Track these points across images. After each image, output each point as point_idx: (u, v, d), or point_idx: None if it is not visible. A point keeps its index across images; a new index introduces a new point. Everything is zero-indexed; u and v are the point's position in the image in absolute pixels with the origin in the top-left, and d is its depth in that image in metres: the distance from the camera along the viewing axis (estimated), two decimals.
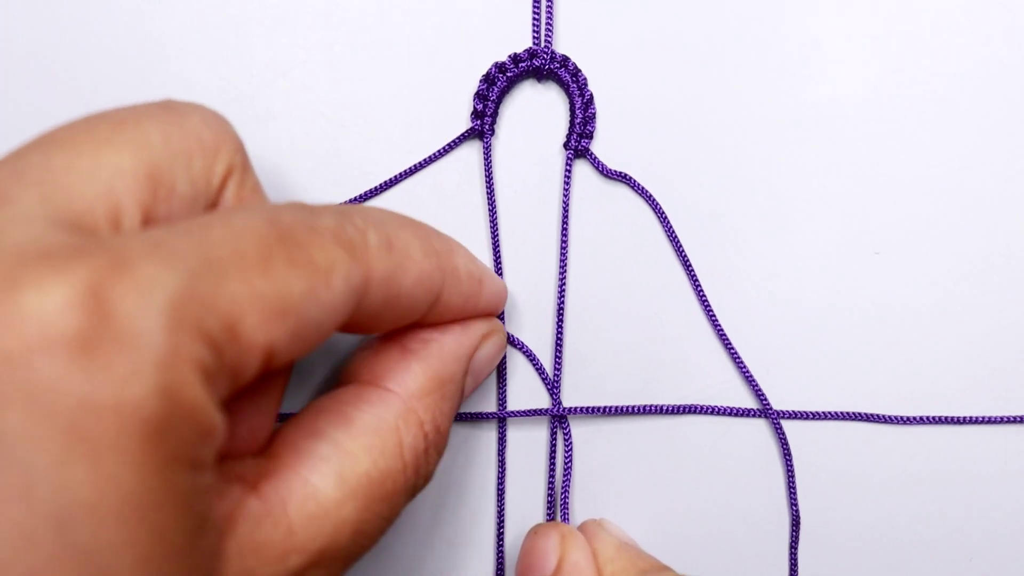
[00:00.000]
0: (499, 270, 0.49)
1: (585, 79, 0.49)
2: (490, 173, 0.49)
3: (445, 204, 0.49)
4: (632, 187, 0.49)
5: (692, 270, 0.49)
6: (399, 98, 0.49)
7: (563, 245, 0.49)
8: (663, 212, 0.49)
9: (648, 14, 0.49)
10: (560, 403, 0.49)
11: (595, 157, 0.49)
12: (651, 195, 0.49)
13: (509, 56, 0.48)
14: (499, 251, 0.49)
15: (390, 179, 0.49)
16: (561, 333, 0.49)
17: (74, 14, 0.48)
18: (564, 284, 0.49)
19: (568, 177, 0.49)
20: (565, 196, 0.49)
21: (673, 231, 0.49)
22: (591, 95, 0.49)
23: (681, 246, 0.49)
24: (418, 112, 0.49)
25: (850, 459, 0.50)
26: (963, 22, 0.49)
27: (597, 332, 0.50)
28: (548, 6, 0.48)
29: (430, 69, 0.49)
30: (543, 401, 0.50)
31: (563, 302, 0.49)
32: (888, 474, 0.50)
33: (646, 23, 0.49)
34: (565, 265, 0.49)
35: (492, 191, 0.49)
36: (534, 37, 0.48)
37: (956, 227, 0.50)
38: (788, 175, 0.50)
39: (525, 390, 0.50)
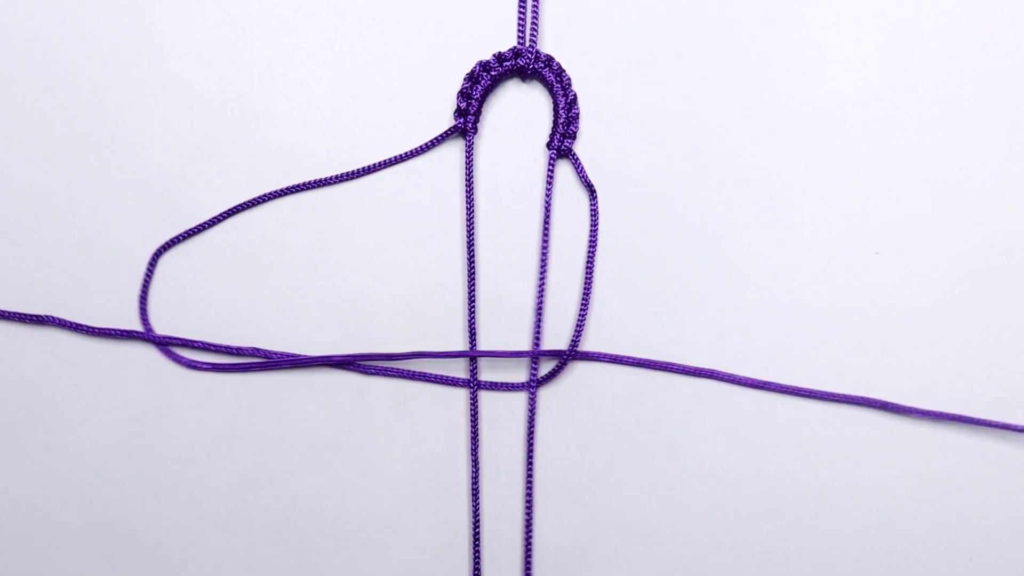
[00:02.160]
0: (473, 267, 0.49)
1: (569, 79, 0.49)
2: (471, 170, 0.49)
3: (428, 200, 0.50)
4: (591, 206, 0.49)
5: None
6: (399, 97, 0.49)
7: (544, 243, 0.49)
8: (595, 239, 0.49)
9: (638, 14, 0.49)
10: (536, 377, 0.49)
11: (577, 159, 0.49)
12: (597, 220, 0.49)
13: (494, 55, 0.49)
14: (473, 248, 0.49)
15: (364, 167, 0.49)
16: (539, 332, 0.49)
17: (74, 14, 0.49)
18: (544, 282, 0.49)
19: (551, 176, 0.49)
20: (547, 195, 0.49)
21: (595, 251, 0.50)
22: (575, 95, 0.49)
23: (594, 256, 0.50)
24: (418, 112, 0.49)
25: (855, 454, 0.50)
26: (963, 22, 0.48)
27: (595, 332, 0.50)
28: (534, 6, 0.48)
29: (428, 69, 0.49)
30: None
31: (542, 301, 0.49)
32: (890, 472, 0.50)
33: (636, 23, 0.49)
34: (545, 263, 0.49)
35: (472, 188, 0.49)
36: (519, 36, 0.49)
37: (956, 227, 0.49)
38: (787, 175, 0.49)
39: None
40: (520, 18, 0.48)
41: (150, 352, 0.50)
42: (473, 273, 0.49)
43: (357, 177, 0.50)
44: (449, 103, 0.49)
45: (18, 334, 0.50)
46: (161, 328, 0.49)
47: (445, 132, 0.49)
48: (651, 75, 0.49)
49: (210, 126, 0.49)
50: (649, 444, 0.50)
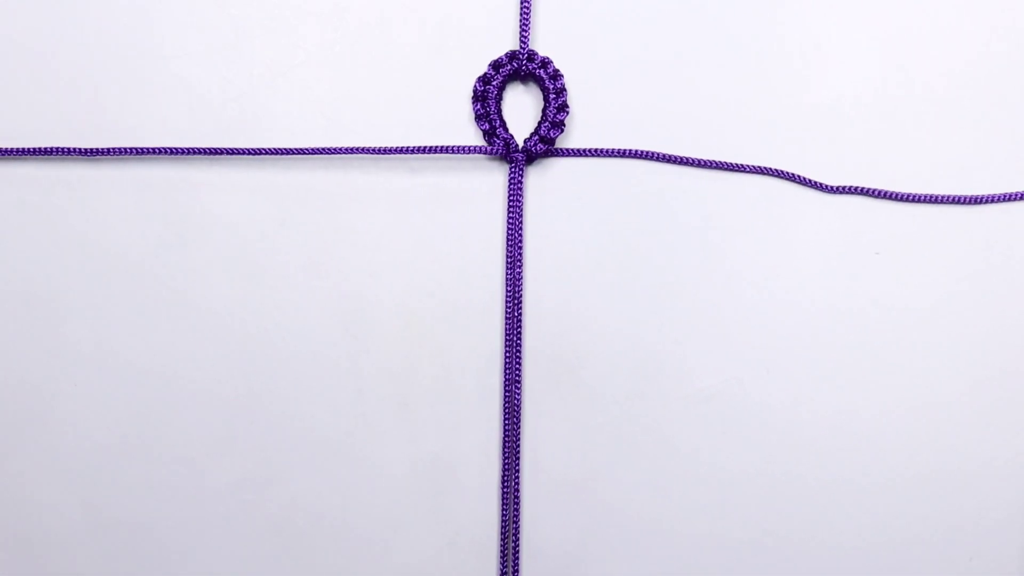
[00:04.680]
0: (517, 298, 0.49)
1: (555, 69, 0.48)
2: (518, 193, 0.49)
3: (431, 202, 0.50)
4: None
5: None
6: (399, 97, 0.49)
7: (509, 248, 0.49)
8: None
9: (638, 13, 0.49)
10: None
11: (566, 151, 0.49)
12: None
13: (489, 67, 0.48)
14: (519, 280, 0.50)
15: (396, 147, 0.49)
16: (520, 332, 0.49)
17: (74, 14, 0.49)
18: (519, 285, 0.49)
19: (516, 183, 0.49)
20: (512, 201, 0.49)
21: None
22: (563, 84, 0.48)
23: None
24: (418, 111, 0.49)
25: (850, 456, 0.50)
26: (963, 22, 0.48)
27: (594, 332, 0.50)
28: (524, 5, 0.48)
29: (428, 68, 0.49)
30: None
31: (514, 305, 0.49)
32: (889, 471, 0.50)
33: (636, 23, 0.49)
34: (520, 267, 0.49)
35: (519, 212, 0.49)
36: (522, 40, 0.48)
37: (956, 227, 0.49)
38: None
39: None
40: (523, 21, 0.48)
41: None
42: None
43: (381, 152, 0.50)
44: (449, 102, 0.49)
45: None
46: None
47: (488, 155, 0.50)
48: (651, 75, 0.49)
49: (210, 126, 0.49)
50: (647, 443, 0.50)
